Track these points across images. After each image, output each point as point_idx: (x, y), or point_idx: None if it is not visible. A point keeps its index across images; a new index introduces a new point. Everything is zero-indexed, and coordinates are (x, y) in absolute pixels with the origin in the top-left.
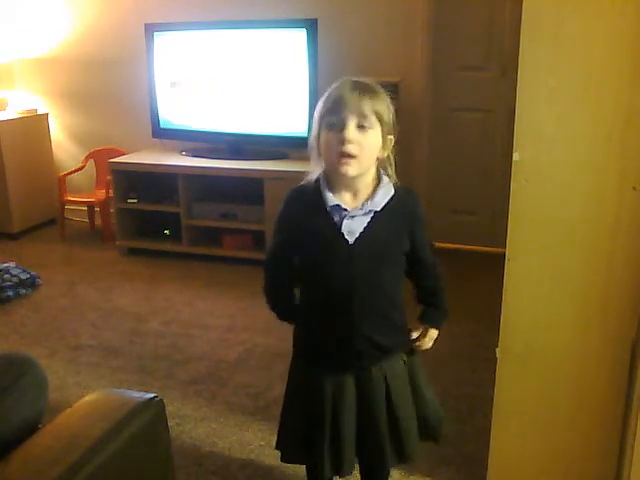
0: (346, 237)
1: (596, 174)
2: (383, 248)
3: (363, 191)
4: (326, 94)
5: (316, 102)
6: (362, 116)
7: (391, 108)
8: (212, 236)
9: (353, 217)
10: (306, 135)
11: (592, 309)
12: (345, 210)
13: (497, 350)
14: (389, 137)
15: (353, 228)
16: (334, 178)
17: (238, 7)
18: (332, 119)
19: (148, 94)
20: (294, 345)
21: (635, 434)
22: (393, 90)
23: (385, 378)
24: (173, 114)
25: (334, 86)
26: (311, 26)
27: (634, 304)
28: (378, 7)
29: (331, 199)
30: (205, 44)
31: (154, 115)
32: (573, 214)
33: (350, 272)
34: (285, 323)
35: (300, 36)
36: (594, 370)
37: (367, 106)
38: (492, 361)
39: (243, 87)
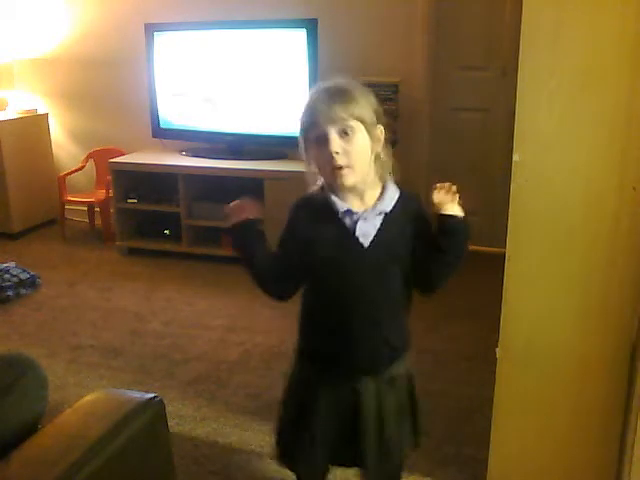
0: (360, 240)
1: (596, 174)
2: (396, 250)
3: (369, 193)
4: (303, 108)
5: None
6: (341, 124)
7: (371, 100)
8: (212, 236)
9: (366, 219)
10: None
11: (592, 309)
12: (356, 214)
13: (497, 350)
14: (378, 129)
15: (367, 231)
16: (336, 187)
17: (238, 7)
18: (313, 133)
19: (148, 94)
20: (300, 350)
21: (635, 434)
22: (393, 90)
23: (382, 388)
24: (173, 114)
25: (308, 99)
26: (311, 26)
27: (634, 304)
28: (378, 7)
29: (341, 204)
30: (205, 44)
31: (154, 115)
32: (573, 214)
33: (364, 275)
34: (285, 323)
35: (300, 36)
36: (594, 370)
37: (342, 113)
38: (492, 361)
39: (243, 87)
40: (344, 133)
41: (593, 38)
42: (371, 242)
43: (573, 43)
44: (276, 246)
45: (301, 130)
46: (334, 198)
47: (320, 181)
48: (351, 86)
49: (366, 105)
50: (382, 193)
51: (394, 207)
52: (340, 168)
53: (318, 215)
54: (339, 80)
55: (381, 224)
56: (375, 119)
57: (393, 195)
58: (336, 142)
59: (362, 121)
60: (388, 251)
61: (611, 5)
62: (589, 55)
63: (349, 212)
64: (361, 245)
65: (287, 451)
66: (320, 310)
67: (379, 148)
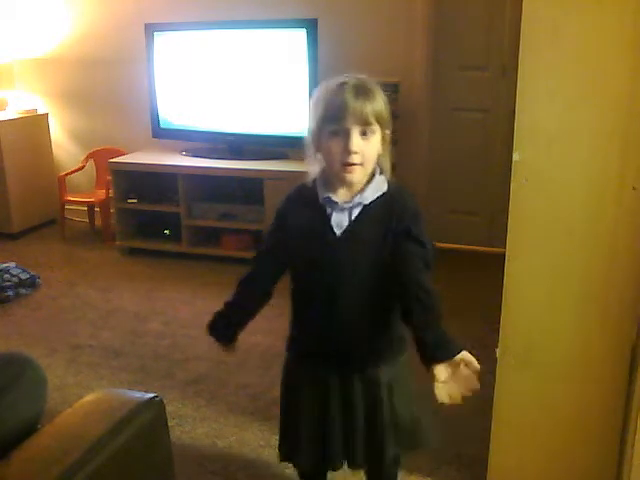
0: (334, 230)
1: (596, 174)
2: (368, 243)
3: (357, 186)
4: (324, 94)
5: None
6: (366, 124)
7: (386, 101)
8: (212, 236)
9: (342, 210)
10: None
11: (592, 309)
12: (335, 203)
13: (497, 350)
14: (387, 133)
15: (341, 221)
16: (332, 178)
17: (238, 7)
18: (335, 127)
19: (148, 94)
20: (287, 343)
21: (635, 434)
22: (393, 90)
23: (369, 386)
24: (173, 114)
25: (333, 88)
26: (311, 26)
27: (634, 304)
28: (378, 7)
29: (323, 192)
30: (205, 44)
31: (154, 115)
32: (573, 214)
33: (336, 265)
34: (285, 323)
35: (300, 36)
36: (594, 370)
37: (370, 112)
38: (492, 361)
39: (243, 87)
40: (364, 133)
41: (593, 37)
42: (343, 232)
43: (573, 42)
44: (264, 238)
45: (320, 118)
46: (319, 186)
47: (316, 170)
48: (374, 86)
49: (385, 108)
50: (365, 186)
51: (376, 200)
52: (353, 164)
53: (303, 203)
54: (362, 77)
55: (357, 216)
56: (388, 123)
57: (377, 189)
58: (357, 141)
59: (381, 124)
60: (359, 243)
61: (611, 4)
62: (589, 54)
63: (329, 200)
64: (334, 234)
65: (283, 446)
66: (299, 297)
67: (384, 149)
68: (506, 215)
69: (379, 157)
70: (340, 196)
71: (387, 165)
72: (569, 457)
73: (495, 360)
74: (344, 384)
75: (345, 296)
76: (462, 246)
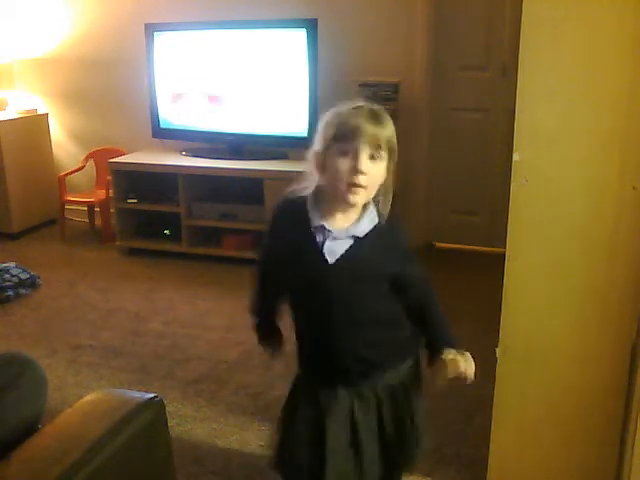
0: (326, 257)
1: (596, 174)
2: (363, 270)
3: (352, 213)
4: (337, 116)
5: (316, 102)
6: (376, 147)
7: (394, 133)
8: (212, 236)
9: (335, 239)
10: (306, 135)
11: (592, 309)
12: (329, 231)
13: (497, 350)
14: (392, 164)
15: (334, 249)
16: (329, 198)
17: (238, 7)
18: (345, 146)
19: (148, 94)
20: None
21: (635, 434)
22: (393, 90)
23: (378, 398)
24: (173, 114)
25: (348, 110)
26: (311, 26)
27: (634, 304)
28: (378, 7)
29: (316, 219)
30: (205, 44)
31: (154, 115)
32: (573, 214)
33: (329, 289)
34: (285, 323)
35: (300, 36)
36: (594, 370)
37: (382, 137)
38: (492, 361)
39: (243, 87)
40: (373, 157)
41: (593, 37)
42: (337, 260)
43: (573, 42)
44: (259, 251)
45: (330, 137)
46: (311, 211)
47: (311, 186)
48: (387, 115)
49: (394, 135)
50: (360, 218)
51: (368, 233)
52: (358, 186)
53: (294, 222)
54: (374, 104)
55: (350, 245)
56: (395, 153)
57: (371, 222)
58: (366, 162)
59: (391, 150)
60: (354, 271)
61: (611, 4)
62: (589, 54)
63: (322, 228)
64: (326, 261)
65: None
66: (295, 311)
67: (387, 178)
68: (506, 215)
69: (381, 187)
70: (336, 221)
71: (388, 196)
72: (569, 457)
73: (495, 360)
74: (353, 396)
75: (338, 317)
76: (462, 246)
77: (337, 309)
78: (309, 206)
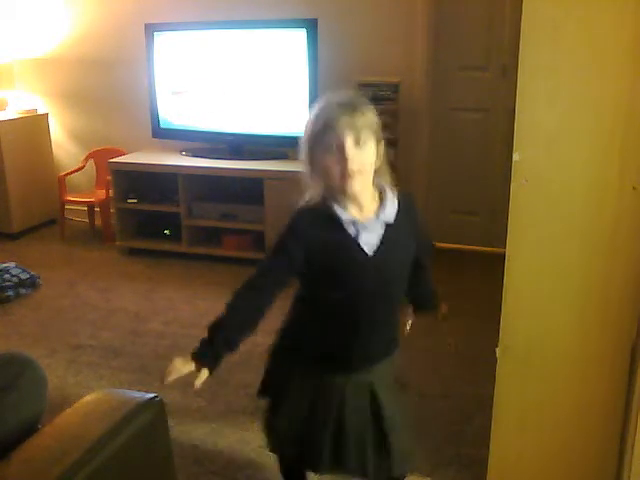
0: (365, 249)
1: (596, 174)
2: (399, 256)
3: (368, 204)
4: (312, 118)
5: (316, 102)
6: (357, 132)
7: (375, 114)
8: (212, 236)
9: (369, 229)
10: None
11: (592, 309)
12: (360, 224)
13: (497, 350)
14: (381, 145)
15: (370, 240)
16: (338, 196)
17: (238, 7)
18: (327, 140)
19: (148, 94)
20: (295, 348)
21: (635, 434)
22: (393, 90)
23: (373, 386)
24: (173, 114)
25: (319, 110)
26: (311, 26)
27: (634, 304)
28: (378, 7)
29: (345, 214)
30: (205, 44)
31: (154, 115)
32: (573, 214)
33: (368, 281)
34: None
35: (300, 36)
36: (594, 370)
37: (359, 122)
38: (492, 361)
39: (243, 87)
40: (358, 141)
41: (593, 37)
42: (375, 251)
43: (573, 42)
44: (273, 251)
45: (312, 137)
46: (337, 208)
47: (319, 192)
48: (362, 100)
49: (375, 121)
50: (382, 203)
51: (396, 217)
52: (351, 173)
53: (321, 224)
54: (349, 93)
55: (383, 234)
56: (380, 135)
57: (393, 204)
58: (351, 148)
59: (373, 133)
60: (391, 258)
61: (611, 4)
62: (589, 54)
63: (354, 222)
64: (365, 254)
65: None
66: (322, 315)
67: (379, 162)
68: (506, 215)
69: (377, 170)
70: (357, 215)
71: (387, 177)
72: (569, 457)
73: (495, 360)
74: (347, 385)
75: (375, 305)
76: (462, 246)
77: (372, 299)
78: (331, 205)
